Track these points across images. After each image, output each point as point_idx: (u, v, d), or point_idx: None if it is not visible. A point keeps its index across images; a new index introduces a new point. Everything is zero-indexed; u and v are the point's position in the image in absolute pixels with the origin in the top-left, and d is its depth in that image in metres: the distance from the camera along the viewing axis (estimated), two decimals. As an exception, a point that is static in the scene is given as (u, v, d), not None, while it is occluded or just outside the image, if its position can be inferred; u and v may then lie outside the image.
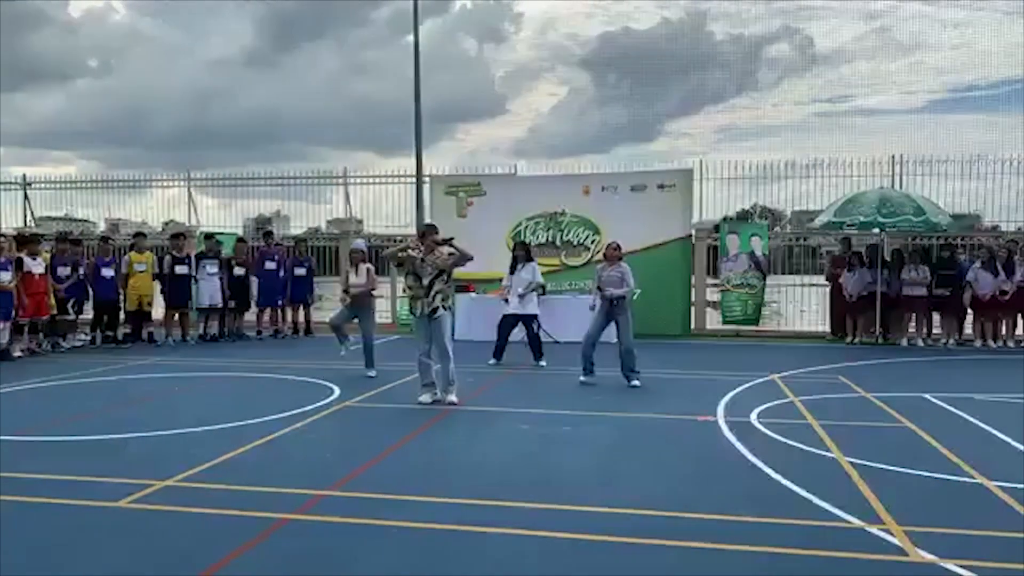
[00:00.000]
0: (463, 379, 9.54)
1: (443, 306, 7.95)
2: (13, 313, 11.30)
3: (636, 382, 9.02)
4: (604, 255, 9.55)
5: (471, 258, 8.21)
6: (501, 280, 14.90)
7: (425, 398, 7.99)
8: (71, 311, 12.71)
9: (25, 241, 12.02)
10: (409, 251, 8.12)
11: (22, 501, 4.87)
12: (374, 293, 10.14)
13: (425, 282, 7.93)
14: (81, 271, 12.85)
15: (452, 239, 8.26)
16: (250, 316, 14.67)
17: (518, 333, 12.36)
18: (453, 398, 7.92)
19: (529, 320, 11.05)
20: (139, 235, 14.06)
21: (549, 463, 5.84)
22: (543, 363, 10.80)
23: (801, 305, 16.32)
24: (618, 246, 9.50)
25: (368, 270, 9.71)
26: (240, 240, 14.78)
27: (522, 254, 11.22)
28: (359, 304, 9.75)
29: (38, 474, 5.46)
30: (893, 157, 15.07)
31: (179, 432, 6.72)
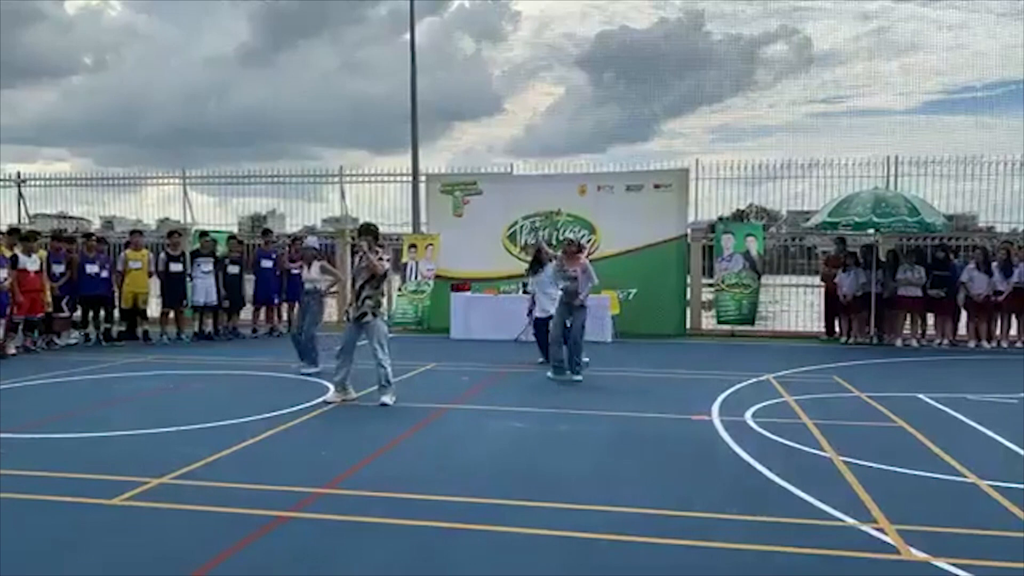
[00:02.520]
0: (458, 378, 9.59)
1: (372, 312, 7.93)
2: (8, 311, 11.27)
3: (579, 377, 9.21)
4: (565, 252, 9.57)
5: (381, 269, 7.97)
6: (495, 280, 14.94)
7: (334, 397, 8.01)
8: (65, 309, 12.69)
9: (22, 238, 11.99)
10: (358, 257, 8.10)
11: (16, 498, 4.86)
12: (333, 290, 10.24)
13: (356, 286, 7.95)
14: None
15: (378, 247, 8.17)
16: (245, 314, 14.65)
17: (515, 331, 12.38)
18: (387, 400, 7.82)
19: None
20: (135, 232, 14.02)
21: (544, 462, 5.85)
22: (587, 359, 10.35)
23: (783, 306, 16.34)
24: (580, 246, 9.84)
25: (322, 266, 9.93)
26: (232, 237, 14.75)
27: (547, 257, 10.77)
28: (311, 301, 9.92)
29: (32, 471, 5.45)
30: (888, 158, 15.13)
31: (173, 430, 6.71)
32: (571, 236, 9.88)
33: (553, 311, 10.21)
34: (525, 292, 13.48)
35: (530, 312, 11.16)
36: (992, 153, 15.03)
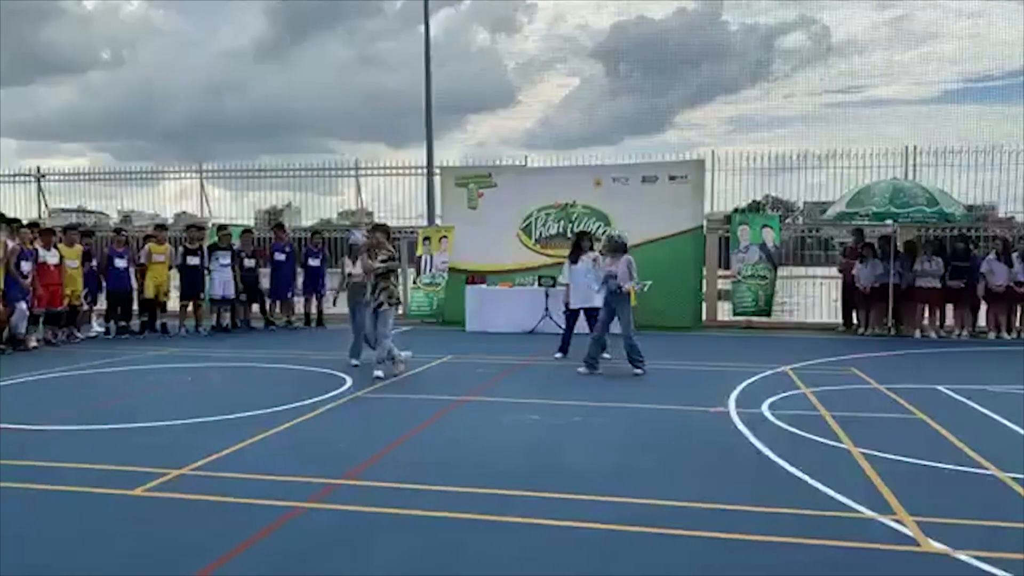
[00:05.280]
0: (473, 371, 9.62)
1: (387, 302, 8.82)
2: (30, 303, 11.40)
3: (639, 370, 9.10)
4: (606, 251, 9.43)
5: (377, 270, 8.82)
6: (509, 272, 14.90)
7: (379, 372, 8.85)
8: (84, 302, 12.83)
9: (41, 232, 12.14)
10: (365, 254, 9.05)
11: (39, 489, 4.93)
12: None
13: (371, 279, 8.81)
14: (94, 262, 12.97)
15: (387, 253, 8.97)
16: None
17: (531, 323, 12.24)
18: (379, 373, 8.79)
19: (593, 313, 10.00)
20: (160, 227, 14.38)
21: (561, 453, 5.86)
22: (607, 355, 10.01)
23: (800, 297, 16.25)
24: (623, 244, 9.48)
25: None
26: (246, 231, 14.84)
27: (587, 244, 10.44)
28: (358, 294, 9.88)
29: (54, 462, 5.52)
30: (906, 148, 14.99)
31: (193, 421, 6.78)
32: (614, 233, 9.63)
33: (583, 304, 10.12)
34: (555, 284, 13.48)
35: (566, 304, 10.64)
36: (1012, 142, 14.87)
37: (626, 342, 9.17)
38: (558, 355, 10.52)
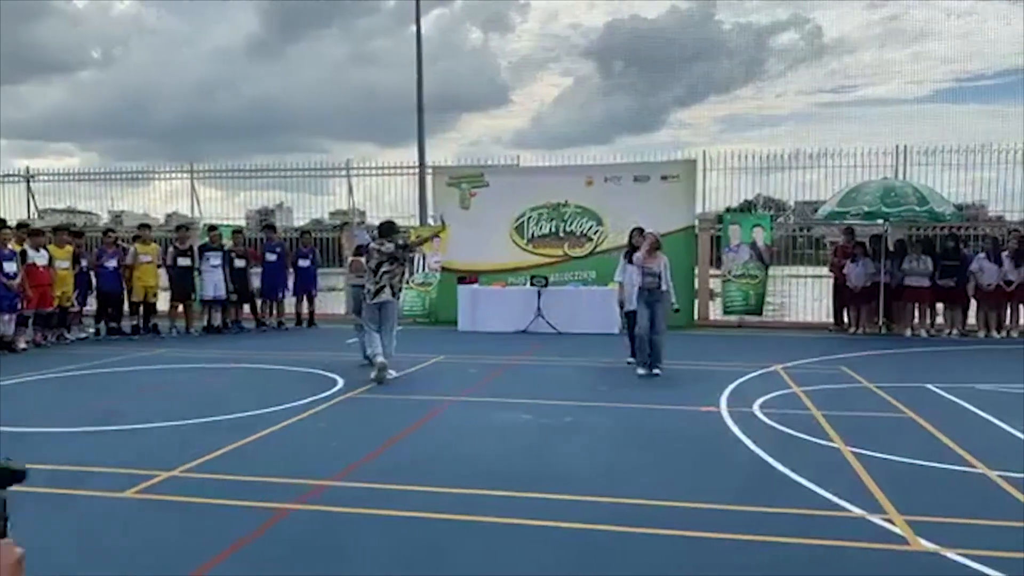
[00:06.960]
0: (465, 370, 9.61)
1: (391, 288, 9.00)
2: (18, 305, 11.33)
3: (658, 371, 9.10)
4: (648, 247, 9.30)
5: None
6: (502, 272, 14.89)
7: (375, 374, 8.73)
8: (75, 303, 12.76)
9: (30, 233, 12.07)
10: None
11: (28, 492, 4.88)
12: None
13: (378, 270, 8.99)
14: (83, 263, 12.91)
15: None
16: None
17: (523, 323, 12.20)
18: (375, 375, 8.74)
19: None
20: (144, 227, 14.24)
21: (552, 453, 5.86)
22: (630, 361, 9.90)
23: (791, 296, 16.28)
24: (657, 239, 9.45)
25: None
26: (237, 232, 14.80)
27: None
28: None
29: (43, 465, 5.47)
30: (897, 147, 15.03)
31: (183, 423, 6.75)
32: (651, 231, 9.51)
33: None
34: (547, 283, 13.43)
35: (622, 305, 10.12)
36: (1003, 141, 14.93)
37: (657, 338, 9.12)
38: (631, 360, 9.76)
